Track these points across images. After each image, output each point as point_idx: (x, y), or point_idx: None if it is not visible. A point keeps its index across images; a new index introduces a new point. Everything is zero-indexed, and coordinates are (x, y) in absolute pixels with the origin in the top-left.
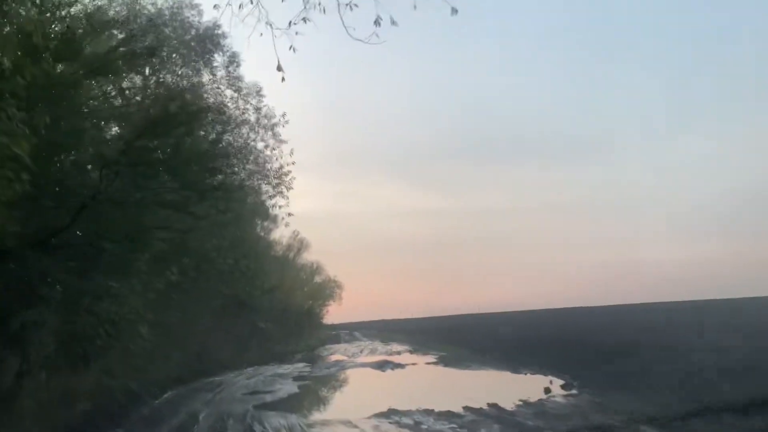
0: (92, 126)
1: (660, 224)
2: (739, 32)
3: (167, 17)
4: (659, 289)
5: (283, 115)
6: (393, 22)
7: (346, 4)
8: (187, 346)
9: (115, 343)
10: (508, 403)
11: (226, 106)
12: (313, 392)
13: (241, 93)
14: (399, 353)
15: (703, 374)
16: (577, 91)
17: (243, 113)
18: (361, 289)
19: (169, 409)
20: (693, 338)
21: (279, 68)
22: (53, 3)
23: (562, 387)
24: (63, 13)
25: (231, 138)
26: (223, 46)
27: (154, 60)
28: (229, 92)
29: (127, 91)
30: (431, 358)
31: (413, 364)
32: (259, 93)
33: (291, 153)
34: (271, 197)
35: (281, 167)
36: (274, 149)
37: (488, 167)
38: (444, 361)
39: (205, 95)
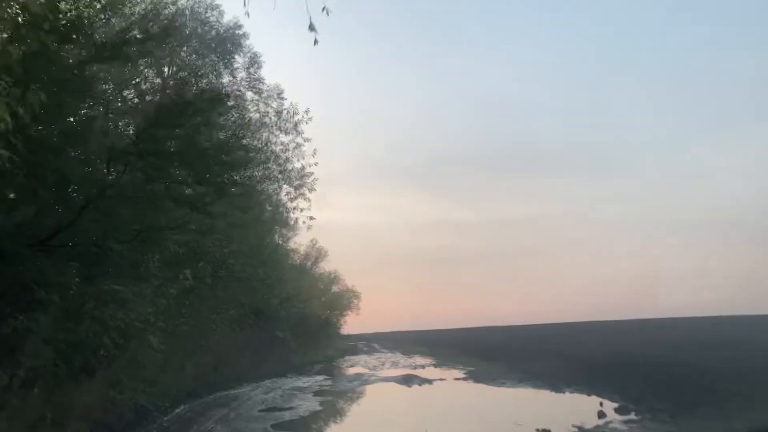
0: (101, 115)
1: (681, 236)
2: (758, 41)
3: (187, 17)
4: (682, 304)
5: (306, 111)
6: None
7: None
8: (201, 357)
9: (122, 354)
10: (561, 430)
11: (246, 109)
12: (336, 410)
13: (262, 95)
14: (423, 367)
15: None
16: (594, 102)
17: (263, 116)
18: (378, 300)
19: (180, 426)
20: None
21: (311, 28)
22: None
23: (618, 411)
24: None
25: (251, 140)
26: (244, 47)
27: (169, 46)
28: (249, 94)
29: (140, 82)
30: (459, 373)
31: (441, 379)
32: (280, 96)
33: (314, 153)
34: (292, 199)
35: (303, 168)
36: (296, 148)
37: (510, 179)
38: (474, 377)
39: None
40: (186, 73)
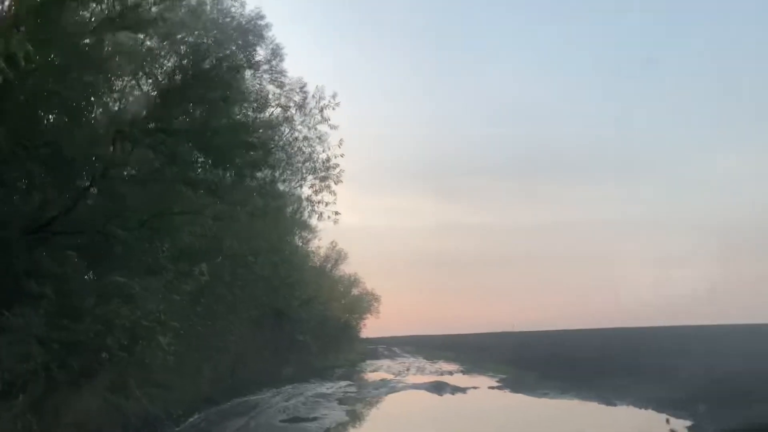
0: (105, 83)
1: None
2: None
3: (208, 6)
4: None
5: (333, 96)
6: None
7: None
8: (218, 360)
9: (129, 356)
10: None
11: (268, 103)
12: (365, 421)
13: (284, 89)
14: (451, 373)
15: None
16: (618, 108)
17: (286, 110)
18: (395, 304)
19: None
20: None
21: None
22: None
23: (692, 430)
24: None
25: (272, 133)
26: (266, 38)
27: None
28: (271, 88)
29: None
30: (492, 381)
31: (474, 387)
32: (302, 89)
33: (340, 143)
34: (317, 191)
35: (328, 159)
36: (321, 138)
37: (531, 184)
38: (510, 386)
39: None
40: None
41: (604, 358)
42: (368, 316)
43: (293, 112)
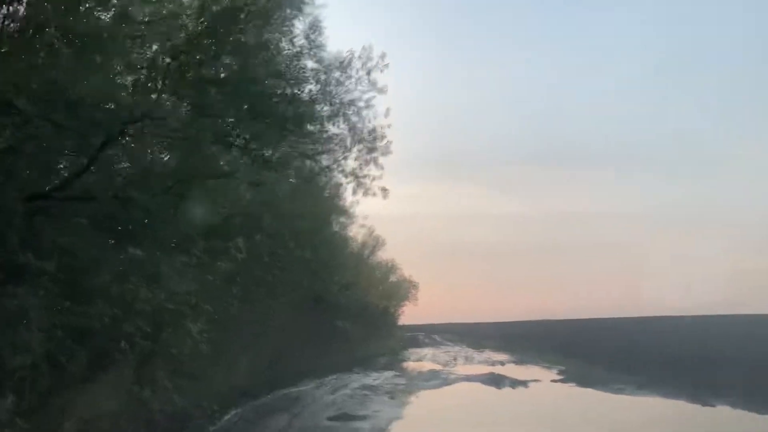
0: (120, 26)
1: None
2: None
3: None
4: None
5: (382, 56)
6: None
7: None
8: (257, 349)
9: (152, 345)
10: None
11: (306, 80)
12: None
13: (323, 63)
14: (502, 363)
15: None
16: (654, 97)
17: (326, 86)
18: (430, 292)
19: None
20: None
21: None
22: None
23: None
24: None
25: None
26: (305, 11)
27: None
28: (310, 63)
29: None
30: (552, 374)
31: (535, 380)
32: (342, 65)
33: (387, 113)
34: (363, 165)
35: (374, 129)
36: (368, 103)
37: (566, 173)
38: (575, 379)
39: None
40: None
41: (672, 347)
42: (406, 303)
43: (337, 75)
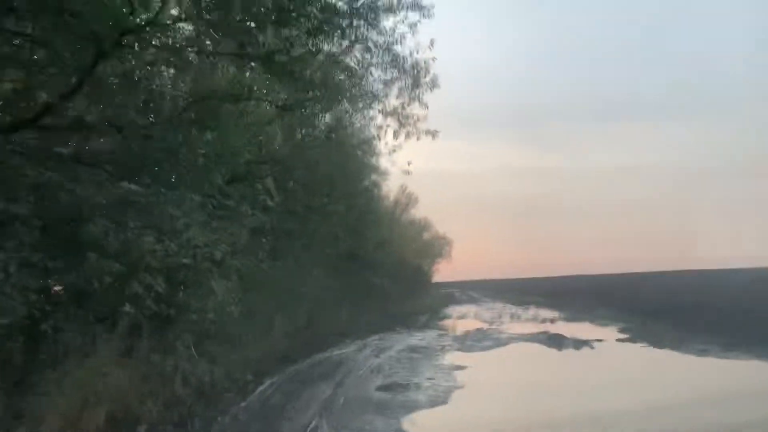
0: None
1: None
2: None
3: None
4: None
5: None
6: None
7: None
8: (293, 309)
9: (167, 309)
10: None
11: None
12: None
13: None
14: (553, 321)
15: None
16: (697, 41)
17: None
18: (465, 249)
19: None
20: None
21: None
22: None
23: None
24: None
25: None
26: None
27: None
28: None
29: None
30: (613, 332)
31: (598, 340)
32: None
33: (431, 45)
34: (405, 103)
35: (418, 63)
36: (411, 29)
37: (605, 126)
38: (644, 338)
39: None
40: None
41: (744, 303)
42: (440, 260)
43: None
